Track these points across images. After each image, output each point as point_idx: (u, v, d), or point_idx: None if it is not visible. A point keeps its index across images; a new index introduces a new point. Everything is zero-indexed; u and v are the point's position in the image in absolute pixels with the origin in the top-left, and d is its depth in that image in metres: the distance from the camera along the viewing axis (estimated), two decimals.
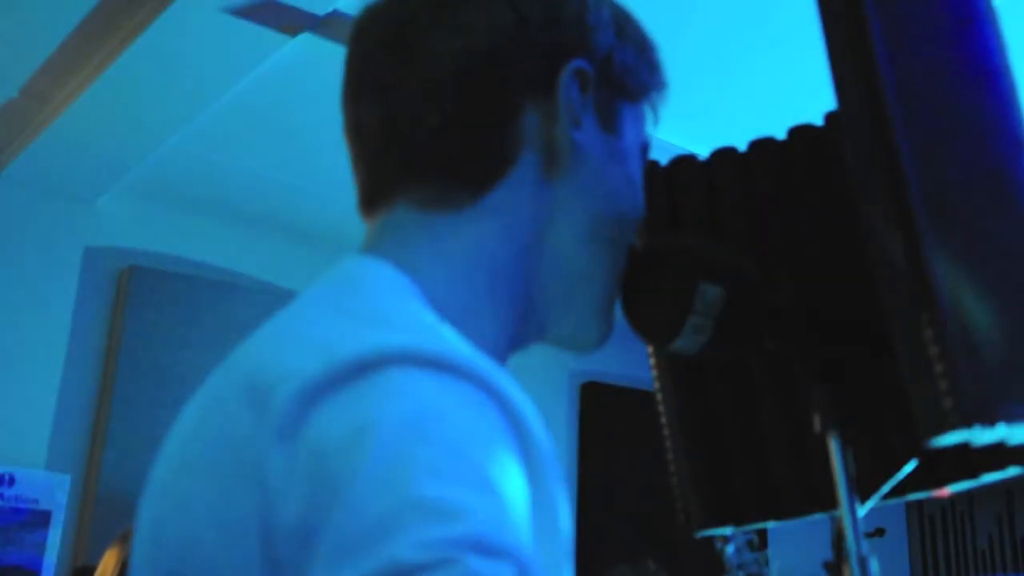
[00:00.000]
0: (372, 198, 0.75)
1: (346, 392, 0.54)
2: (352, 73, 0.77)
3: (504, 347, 0.73)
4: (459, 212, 0.72)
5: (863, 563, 0.79)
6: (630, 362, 4.52)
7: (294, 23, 2.59)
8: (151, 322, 3.60)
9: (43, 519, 3.32)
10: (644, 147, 0.81)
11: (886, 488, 0.86)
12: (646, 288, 0.81)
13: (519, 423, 0.57)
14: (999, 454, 0.83)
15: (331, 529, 0.50)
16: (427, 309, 0.65)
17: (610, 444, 4.58)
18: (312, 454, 0.53)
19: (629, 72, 0.78)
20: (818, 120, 0.94)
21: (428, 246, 0.71)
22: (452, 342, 0.59)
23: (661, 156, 1.02)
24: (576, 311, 0.76)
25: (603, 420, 4.61)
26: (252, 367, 0.60)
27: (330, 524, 0.50)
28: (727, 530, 0.98)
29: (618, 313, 0.81)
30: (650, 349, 0.99)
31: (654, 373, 1.00)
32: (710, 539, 0.95)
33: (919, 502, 5.03)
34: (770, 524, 0.97)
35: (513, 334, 0.73)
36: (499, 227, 0.72)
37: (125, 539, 2.26)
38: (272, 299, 3.72)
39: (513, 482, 0.53)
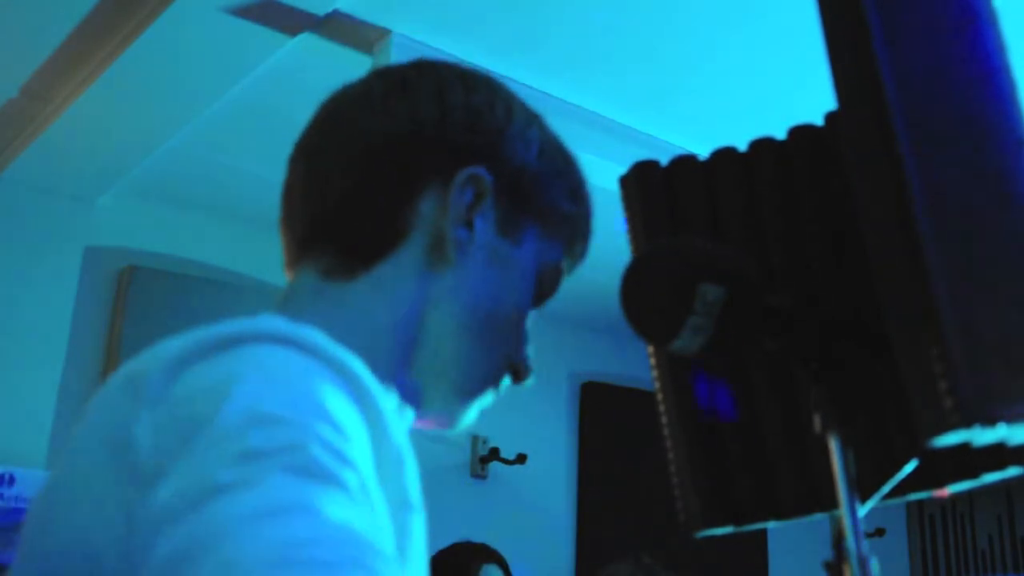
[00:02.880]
0: (288, 259, 0.84)
1: (208, 360, 0.60)
2: (296, 149, 0.86)
3: None
4: (349, 282, 0.79)
5: (863, 563, 0.79)
6: (630, 362, 4.52)
7: (294, 23, 2.58)
8: (151, 322, 3.60)
9: None
10: (548, 268, 0.85)
11: (886, 488, 0.86)
12: (646, 288, 0.81)
13: (362, 396, 0.63)
14: (999, 454, 0.83)
15: (186, 456, 0.54)
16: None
17: (610, 444, 4.57)
18: (172, 407, 0.57)
19: (543, 192, 0.84)
20: (818, 120, 0.94)
21: (315, 306, 0.79)
22: (303, 329, 0.65)
23: (661, 156, 1.02)
24: (441, 391, 0.81)
25: (603, 420, 4.61)
26: (130, 367, 0.65)
27: (184, 452, 0.54)
28: (728, 529, 0.98)
29: (618, 313, 0.81)
30: (650, 349, 0.99)
31: (654, 373, 1.00)
32: (710, 539, 0.95)
33: (919, 502, 5.03)
34: (770, 524, 0.97)
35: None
36: (383, 300, 0.79)
37: None
38: (272, 299, 3.71)
39: (350, 430, 0.58)
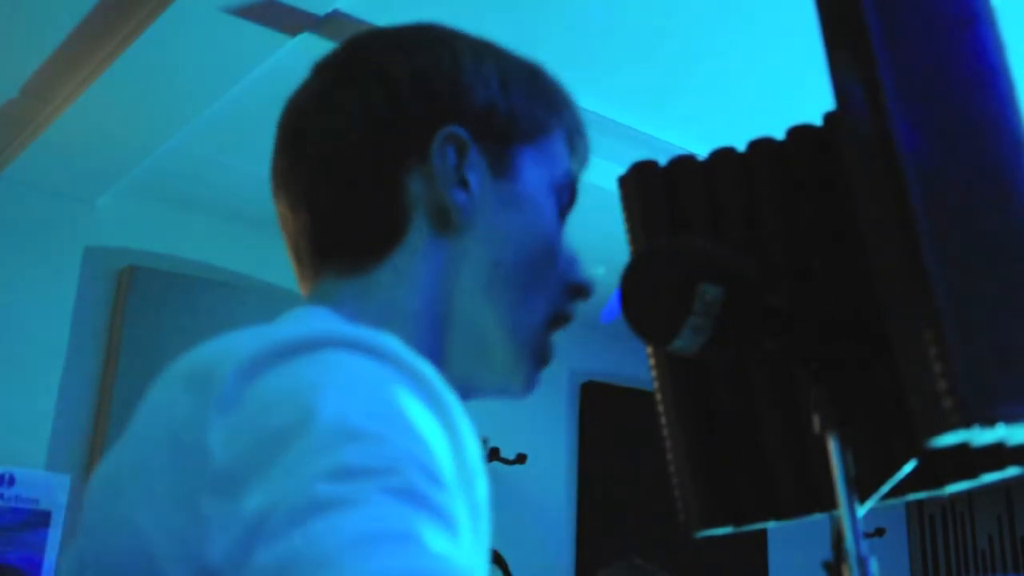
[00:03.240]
0: (303, 280, 0.82)
1: (283, 365, 0.58)
2: (271, 170, 0.84)
3: None
4: (369, 276, 0.78)
5: (863, 563, 0.79)
6: (630, 362, 4.52)
7: (294, 23, 2.59)
8: (151, 322, 3.60)
9: (43, 519, 3.32)
10: (562, 181, 0.83)
11: (886, 488, 0.86)
12: (646, 288, 0.81)
13: (439, 404, 0.61)
14: (999, 454, 0.83)
15: (275, 465, 0.53)
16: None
17: (610, 444, 4.57)
18: (250, 414, 0.56)
19: (519, 117, 0.81)
20: (818, 120, 0.94)
21: (349, 299, 0.77)
22: (374, 333, 0.63)
23: (661, 156, 1.02)
24: (491, 365, 0.80)
25: (603, 420, 4.61)
26: (192, 362, 0.63)
27: (273, 462, 0.53)
28: (728, 530, 0.98)
29: (618, 313, 0.81)
30: (650, 349, 0.99)
31: (654, 373, 1.00)
32: (710, 539, 0.95)
33: (919, 502, 5.03)
34: (770, 524, 0.97)
35: None
36: (404, 285, 0.77)
37: None
38: (272, 299, 3.72)
39: (435, 448, 0.57)
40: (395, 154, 0.78)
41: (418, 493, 0.51)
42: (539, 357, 0.81)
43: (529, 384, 0.81)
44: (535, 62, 0.86)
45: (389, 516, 0.49)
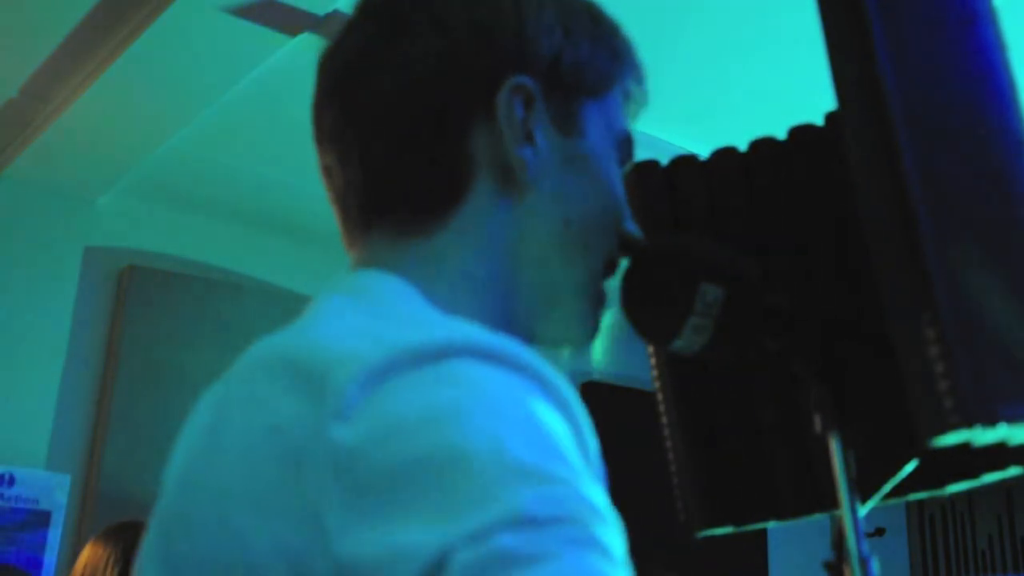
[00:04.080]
0: (351, 236, 0.77)
1: (412, 376, 0.55)
2: (314, 119, 0.79)
3: None
4: (430, 237, 0.73)
5: (863, 563, 0.79)
6: (630, 362, 4.52)
7: (294, 23, 2.58)
8: (151, 322, 3.60)
9: (43, 519, 3.32)
10: (622, 136, 0.81)
11: (886, 488, 0.86)
12: (646, 288, 0.81)
13: (564, 404, 0.59)
14: (999, 454, 0.83)
15: (433, 494, 0.50)
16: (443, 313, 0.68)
17: (609, 444, 4.57)
18: (388, 430, 0.53)
19: (584, 69, 0.77)
20: (818, 120, 0.94)
21: (411, 266, 0.73)
22: (493, 336, 0.60)
23: (661, 156, 1.02)
24: (558, 318, 0.77)
25: (603, 420, 4.60)
26: (287, 353, 0.59)
27: (430, 491, 0.50)
28: (728, 530, 0.98)
29: (618, 313, 0.81)
30: (650, 349, 0.99)
31: (654, 373, 1.00)
32: (710, 539, 0.95)
33: (919, 502, 5.03)
34: (770, 524, 0.97)
35: None
36: (470, 247, 0.73)
37: (117, 532, 2.24)
38: (272, 299, 3.72)
39: (579, 462, 0.56)
40: (458, 107, 0.74)
41: (599, 543, 0.50)
42: (600, 304, 0.79)
43: (596, 331, 0.79)
44: (592, 4, 0.81)
45: (581, 572, 0.48)
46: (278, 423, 0.56)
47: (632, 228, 0.81)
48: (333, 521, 0.51)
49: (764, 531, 4.30)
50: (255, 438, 0.57)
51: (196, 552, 0.58)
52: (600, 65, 0.79)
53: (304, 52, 2.71)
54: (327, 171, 0.78)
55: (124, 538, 2.17)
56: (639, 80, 0.83)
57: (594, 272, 0.78)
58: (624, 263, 0.81)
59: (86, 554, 2.23)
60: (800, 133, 0.95)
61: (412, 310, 0.68)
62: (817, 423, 0.83)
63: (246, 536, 0.55)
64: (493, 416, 0.53)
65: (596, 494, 0.53)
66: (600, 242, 0.78)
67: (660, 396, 1.00)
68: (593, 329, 0.79)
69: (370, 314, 0.65)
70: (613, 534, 0.52)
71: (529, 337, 0.76)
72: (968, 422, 0.67)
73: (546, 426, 0.55)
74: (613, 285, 0.81)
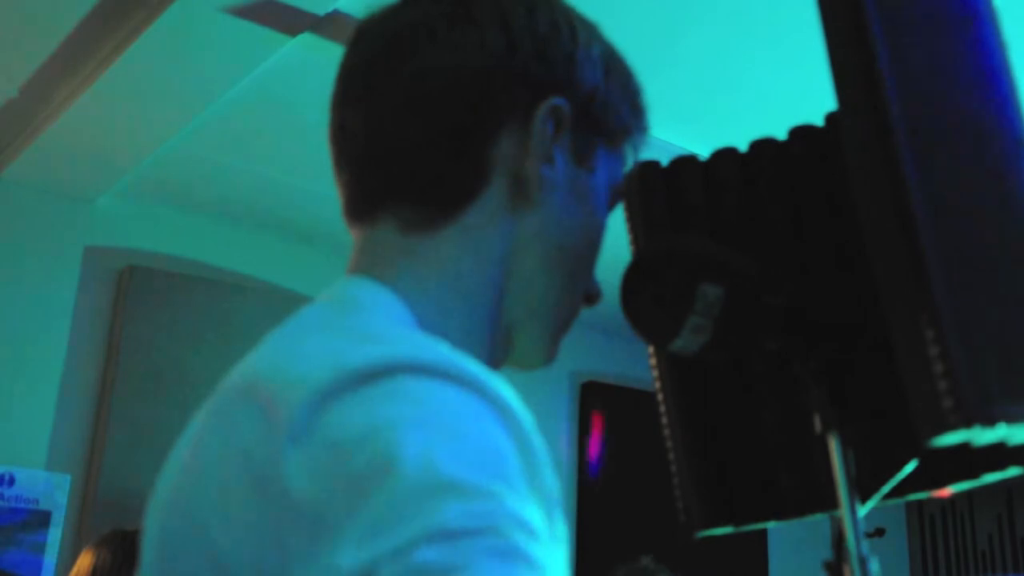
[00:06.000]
0: (355, 210, 0.77)
1: (358, 395, 0.56)
2: (344, 77, 0.79)
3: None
4: (435, 234, 0.74)
5: (863, 563, 0.79)
6: (630, 362, 4.52)
7: (294, 23, 2.58)
8: (151, 322, 3.59)
9: (43, 519, 3.32)
10: (616, 189, 0.83)
11: (886, 488, 0.86)
12: (646, 288, 0.81)
13: (514, 425, 0.59)
14: (999, 454, 0.83)
15: (362, 512, 0.51)
16: (418, 329, 0.70)
17: (610, 444, 4.57)
18: (329, 451, 0.54)
19: (611, 112, 0.79)
20: (818, 120, 0.94)
21: (408, 269, 0.73)
22: (449, 354, 0.61)
23: (661, 156, 1.02)
24: (530, 334, 0.78)
25: (602, 420, 4.60)
26: (255, 378, 0.61)
27: (360, 509, 0.52)
28: (727, 530, 0.98)
29: (618, 313, 0.81)
30: (650, 349, 0.99)
31: (654, 373, 1.00)
32: (710, 539, 0.95)
33: (919, 502, 5.03)
34: (770, 524, 0.97)
35: (487, 356, 0.76)
36: (470, 249, 0.74)
37: (111, 541, 2.24)
38: (272, 299, 3.72)
39: (520, 481, 0.56)
40: (498, 106, 0.74)
41: (521, 553, 0.51)
42: (563, 334, 0.81)
43: (549, 359, 0.81)
44: (625, 57, 0.83)
45: None
46: (246, 447, 0.58)
47: (595, 281, 0.82)
48: (290, 547, 0.53)
49: (764, 531, 4.30)
50: (225, 460, 0.59)
51: (187, 567, 0.60)
52: (623, 113, 0.81)
53: (304, 52, 2.71)
54: (342, 129, 0.78)
55: (123, 547, 2.17)
56: (644, 138, 0.85)
57: (568, 302, 0.79)
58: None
59: (86, 562, 2.23)
60: (800, 134, 0.95)
61: (379, 326, 0.69)
62: (817, 423, 0.83)
63: (228, 556, 0.56)
64: (427, 430, 0.54)
65: (528, 509, 0.54)
66: (579, 278, 0.80)
67: (660, 396, 1.00)
68: (551, 356, 0.81)
69: (338, 328, 0.67)
70: (541, 547, 0.53)
71: (508, 348, 0.78)
72: (967, 422, 0.67)
73: (484, 441, 0.56)
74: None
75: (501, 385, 0.60)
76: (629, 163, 0.84)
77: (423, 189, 0.74)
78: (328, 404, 0.56)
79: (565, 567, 0.60)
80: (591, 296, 0.82)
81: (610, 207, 0.83)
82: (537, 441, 0.60)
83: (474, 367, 0.60)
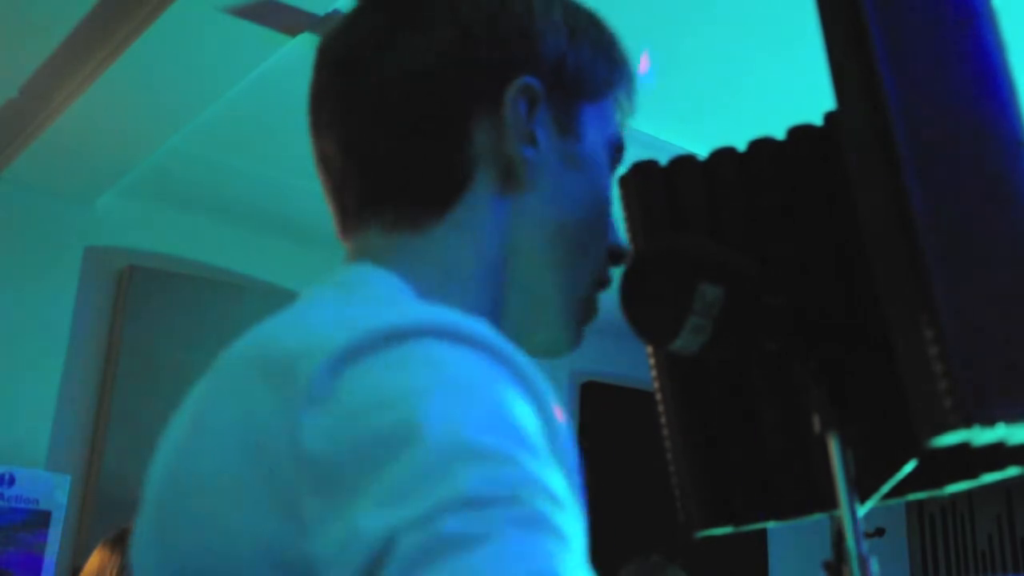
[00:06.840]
0: (344, 226, 0.77)
1: (377, 358, 0.55)
2: (313, 105, 0.79)
3: None
4: (425, 233, 0.74)
5: (863, 563, 0.79)
6: (630, 362, 4.52)
7: (294, 23, 2.59)
8: (151, 322, 3.60)
9: (43, 519, 3.32)
10: (615, 141, 0.81)
11: (886, 488, 0.86)
12: (646, 288, 0.81)
13: (532, 388, 0.59)
14: (998, 454, 0.83)
15: (384, 476, 0.50)
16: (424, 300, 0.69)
17: (610, 444, 4.57)
18: (350, 413, 0.53)
19: (585, 73, 0.78)
20: (818, 120, 0.94)
21: (402, 265, 0.72)
22: (463, 318, 0.60)
23: (661, 156, 1.02)
24: (543, 323, 0.77)
25: (603, 420, 4.60)
26: (265, 348, 0.60)
27: (382, 471, 0.51)
28: (727, 530, 0.98)
29: (618, 313, 0.81)
30: (650, 349, 0.99)
31: (654, 373, 1.00)
32: (711, 539, 0.95)
33: (919, 502, 5.03)
34: (770, 524, 0.97)
35: None
36: (466, 243, 0.74)
37: (119, 541, 2.24)
38: (273, 299, 3.71)
39: (542, 445, 0.56)
40: (465, 101, 0.74)
41: (546, 522, 0.50)
42: (588, 314, 0.79)
43: (578, 340, 0.79)
44: (593, 10, 0.82)
45: (524, 552, 0.49)
46: (253, 416, 0.57)
47: (619, 239, 0.81)
48: (308, 510, 0.52)
49: (764, 531, 4.31)
50: (233, 431, 0.58)
51: (188, 542, 0.58)
52: (599, 71, 0.79)
53: (304, 52, 2.71)
54: (324, 160, 0.78)
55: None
56: (630, 92, 0.84)
57: (583, 279, 0.78)
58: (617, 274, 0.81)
59: (95, 562, 2.23)
60: (799, 133, 0.95)
61: (390, 294, 0.68)
62: (816, 423, 0.83)
63: (230, 526, 0.55)
64: (450, 396, 0.54)
65: (552, 476, 0.53)
66: (591, 248, 0.78)
67: (660, 396, 1.00)
68: (576, 338, 0.79)
69: (345, 302, 0.66)
70: (565, 515, 0.52)
71: (515, 337, 0.76)
72: (967, 422, 0.67)
73: (506, 407, 0.55)
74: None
75: (516, 349, 0.59)
76: (625, 109, 0.83)
77: (407, 194, 0.74)
78: (347, 367, 0.55)
79: (584, 535, 0.59)
80: (617, 255, 0.81)
81: (614, 162, 0.82)
82: (552, 403, 0.60)
83: (489, 331, 0.59)
